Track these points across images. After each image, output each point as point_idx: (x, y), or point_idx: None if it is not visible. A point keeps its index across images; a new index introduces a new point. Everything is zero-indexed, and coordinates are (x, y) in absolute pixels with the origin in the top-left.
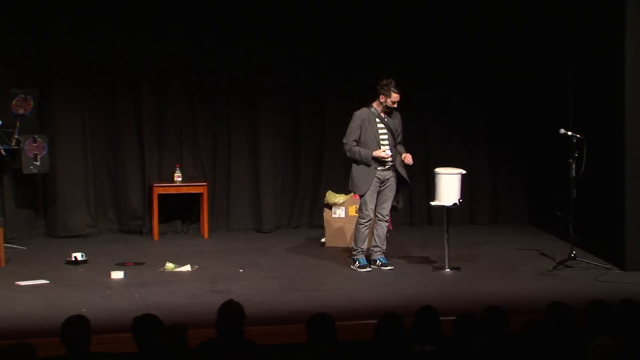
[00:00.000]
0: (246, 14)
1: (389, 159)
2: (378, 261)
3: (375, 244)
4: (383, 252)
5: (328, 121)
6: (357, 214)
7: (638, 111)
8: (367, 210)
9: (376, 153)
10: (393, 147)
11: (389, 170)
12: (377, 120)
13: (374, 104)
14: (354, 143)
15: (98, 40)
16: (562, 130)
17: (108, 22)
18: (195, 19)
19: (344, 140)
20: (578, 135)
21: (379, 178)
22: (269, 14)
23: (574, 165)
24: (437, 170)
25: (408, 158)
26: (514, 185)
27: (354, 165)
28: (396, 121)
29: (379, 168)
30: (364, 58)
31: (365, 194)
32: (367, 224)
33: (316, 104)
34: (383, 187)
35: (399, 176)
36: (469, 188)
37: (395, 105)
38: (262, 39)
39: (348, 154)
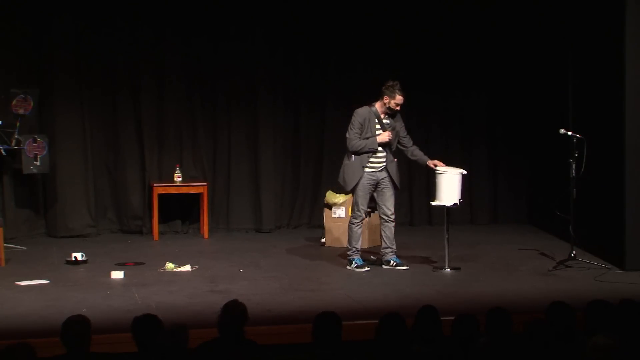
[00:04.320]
0: (246, 13)
1: (388, 139)
2: (392, 262)
3: (385, 245)
4: (394, 252)
5: (328, 121)
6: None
7: (638, 111)
8: (359, 210)
9: (380, 138)
10: (388, 148)
11: (382, 171)
12: (376, 120)
13: (377, 105)
14: (357, 137)
15: (98, 40)
16: (562, 130)
17: (108, 22)
18: (195, 18)
19: (347, 136)
20: (578, 135)
21: (371, 179)
22: (269, 14)
23: (574, 165)
24: (437, 170)
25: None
26: (514, 185)
27: (345, 161)
28: (398, 123)
29: (370, 161)
30: (364, 57)
31: (354, 191)
32: (360, 223)
33: (316, 104)
34: (381, 187)
35: (392, 180)
36: (469, 188)
37: (398, 108)
38: (262, 38)
39: (352, 149)
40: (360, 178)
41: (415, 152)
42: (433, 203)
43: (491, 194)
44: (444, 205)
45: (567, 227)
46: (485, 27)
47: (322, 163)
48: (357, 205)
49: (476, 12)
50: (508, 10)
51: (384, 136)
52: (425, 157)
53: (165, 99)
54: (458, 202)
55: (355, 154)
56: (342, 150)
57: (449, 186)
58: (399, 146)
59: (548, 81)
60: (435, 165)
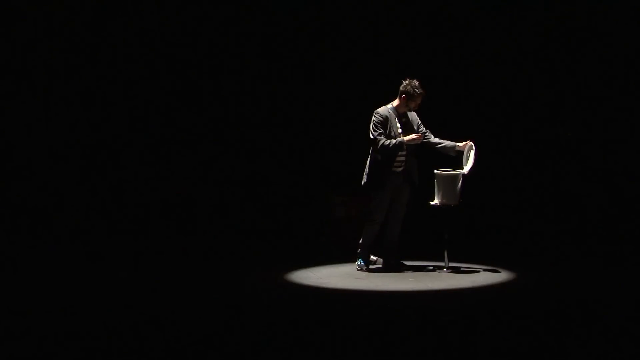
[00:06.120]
0: (245, 14)
1: (417, 140)
2: (389, 261)
3: (387, 245)
4: (395, 253)
5: (328, 121)
6: (357, 214)
7: (637, 111)
8: (377, 212)
9: (412, 140)
10: (409, 147)
11: (401, 173)
12: (396, 119)
13: (395, 103)
14: (383, 137)
15: (98, 41)
16: (561, 131)
17: (108, 22)
18: (196, 18)
19: (371, 137)
20: (576, 136)
21: (394, 182)
22: (269, 13)
23: (571, 165)
24: (437, 170)
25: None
26: (513, 186)
27: (371, 160)
28: (414, 118)
29: (395, 161)
30: (364, 59)
31: (379, 193)
32: (377, 226)
33: (316, 104)
34: (397, 192)
35: (410, 180)
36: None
37: (417, 107)
38: (263, 38)
39: (379, 149)
40: (385, 181)
41: (441, 142)
42: (433, 203)
43: (490, 195)
44: (444, 206)
45: (563, 227)
46: (484, 26)
47: (322, 162)
48: (376, 208)
49: (474, 11)
50: (506, 9)
51: (415, 139)
52: (452, 143)
53: (165, 99)
54: (458, 203)
55: (381, 155)
56: (342, 150)
57: (449, 186)
58: (423, 141)
59: (545, 81)
60: (466, 145)
